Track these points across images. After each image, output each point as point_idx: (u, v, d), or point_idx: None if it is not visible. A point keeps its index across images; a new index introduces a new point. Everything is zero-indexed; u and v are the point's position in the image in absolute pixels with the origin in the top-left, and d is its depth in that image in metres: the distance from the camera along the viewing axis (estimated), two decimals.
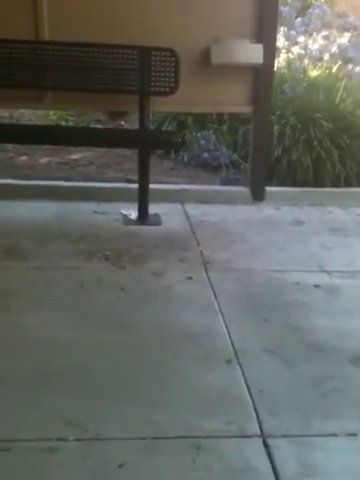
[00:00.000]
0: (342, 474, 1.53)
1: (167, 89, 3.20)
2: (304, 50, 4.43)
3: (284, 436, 1.64)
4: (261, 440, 1.62)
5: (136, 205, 3.22)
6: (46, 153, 4.08)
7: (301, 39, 4.52)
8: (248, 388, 1.82)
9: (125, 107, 3.67)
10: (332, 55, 4.28)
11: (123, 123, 4.77)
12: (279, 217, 3.40)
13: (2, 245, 2.73)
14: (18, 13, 3.20)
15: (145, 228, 3.12)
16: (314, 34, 4.53)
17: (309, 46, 4.46)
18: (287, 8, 4.51)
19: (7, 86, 3.18)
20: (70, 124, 4.66)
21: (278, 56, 4.09)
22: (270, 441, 1.61)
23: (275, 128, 3.79)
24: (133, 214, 3.24)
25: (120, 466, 1.49)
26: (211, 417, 1.68)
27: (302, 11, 4.75)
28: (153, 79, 3.20)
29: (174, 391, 1.79)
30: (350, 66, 4.16)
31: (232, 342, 2.06)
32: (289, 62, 4.36)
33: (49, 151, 4.08)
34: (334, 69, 4.24)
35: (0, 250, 2.68)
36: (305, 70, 4.30)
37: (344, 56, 4.20)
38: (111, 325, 2.13)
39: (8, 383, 1.78)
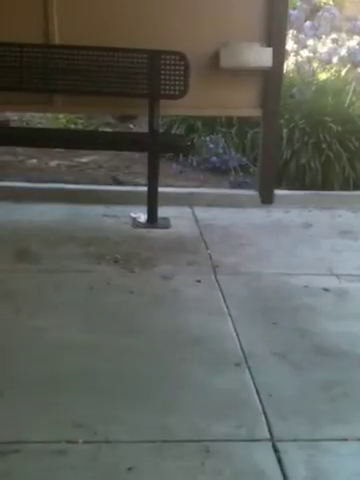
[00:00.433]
0: (352, 479, 1.52)
1: (177, 92, 3.21)
2: (313, 53, 4.43)
3: (294, 440, 1.63)
4: (270, 444, 1.62)
5: (145, 208, 3.24)
6: (56, 156, 4.11)
7: (310, 42, 4.52)
8: (257, 392, 1.81)
9: (135, 110, 3.69)
10: (341, 58, 4.28)
11: (132, 126, 4.79)
12: (288, 220, 3.39)
13: (13, 248, 2.75)
14: (29, 17, 3.24)
15: (154, 231, 3.13)
16: (323, 37, 4.53)
17: (318, 49, 4.46)
18: (296, 11, 4.51)
19: (18, 89, 3.22)
20: (79, 127, 4.69)
21: (287, 59, 4.09)
22: (279, 445, 1.61)
23: (284, 131, 3.80)
24: (142, 217, 3.26)
25: (129, 469, 1.50)
26: (220, 421, 1.68)
27: (311, 14, 4.76)
28: (163, 83, 3.21)
29: (183, 394, 1.79)
30: (359, 69, 4.16)
31: (241, 345, 2.06)
32: (298, 65, 4.36)
33: (59, 154, 4.11)
34: (343, 72, 4.23)
35: (11, 253, 2.70)
36: (314, 73, 4.30)
37: (353, 59, 4.19)
38: (120, 328, 2.14)
39: (18, 385, 1.79)
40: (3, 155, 4.07)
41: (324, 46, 4.46)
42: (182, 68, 3.20)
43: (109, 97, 3.24)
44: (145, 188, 3.26)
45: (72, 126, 4.69)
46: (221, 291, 2.47)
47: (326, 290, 2.51)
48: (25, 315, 2.19)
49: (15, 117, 4.70)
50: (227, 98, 3.41)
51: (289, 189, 3.74)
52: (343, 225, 3.33)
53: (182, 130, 4.21)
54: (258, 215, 3.45)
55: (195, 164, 4.10)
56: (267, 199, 3.61)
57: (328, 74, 4.30)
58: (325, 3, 5.68)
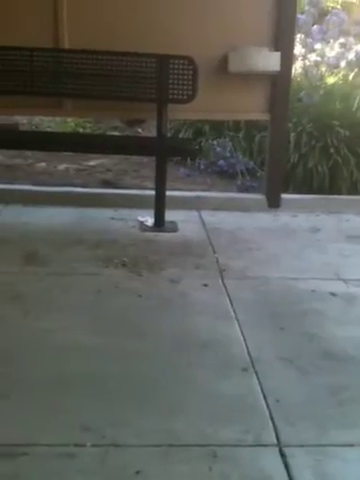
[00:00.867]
0: None
1: (185, 97, 3.22)
2: (321, 57, 4.43)
3: (301, 446, 1.63)
4: (277, 449, 1.62)
5: (153, 212, 3.25)
6: (64, 160, 4.13)
7: (318, 46, 4.52)
8: (264, 397, 1.82)
9: (143, 115, 3.71)
10: (349, 62, 4.28)
11: (140, 130, 4.81)
12: (295, 225, 3.39)
13: (22, 250, 2.77)
14: (39, 21, 3.26)
15: (161, 235, 3.14)
16: (331, 41, 4.53)
17: (326, 53, 4.46)
18: (304, 16, 4.52)
19: (27, 93, 3.23)
20: (87, 131, 4.71)
21: (295, 63, 4.09)
22: (286, 450, 1.61)
23: (291, 135, 3.80)
24: (150, 221, 3.27)
25: (137, 473, 1.50)
26: (227, 425, 1.69)
27: (319, 18, 4.76)
28: (171, 87, 3.22)
29: (190, 399, 1.80)
30: None
31: (248, 350, 2.07)
32: (306, 69, 4.36)
33: (67, 158, 4.13)
34: (351, 76, 4.23)
35: (20, 255, 2.72)
36: (322, 77, 4.30)
37: None
38: (128, 331, 2.15)
39: (25, 387, 1.80)
40: (13, 158, 4.11)
41: (332, 50, 4.46)
42: (190, 72, 3.21)
43: (118, 101, 3.26)
44: (153, 192, 3.27)
45: (80, 130, 4.71)
46: (228, 295, 2.47)
47: (333, 295, 2.51)
48: (33, 317, 2.21)
49: (24, 120, 4.73)
50: (235, 102, 3.42)
51: (296, 193, 3.74)
52: (351, 230, 3.33)
53: (190, 134, 4.22)
54: (265, 219, 3.45)
55: (202, 168, 4.11)
56: (274, 203, 3.61)
57: (336, 78, 4.29)
58: (333, 7, 5.68)
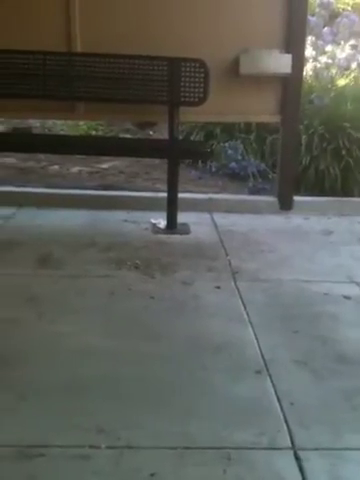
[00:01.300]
0: None
1: (196, 99, 3.24)
2: (332, 59, 4.42)
3: (315, 449, 1.63)
4: (292, 452, 1.61)
5: (165, 214, 3.26)
6: (77, 162, 4.16)
7: (329, 48, 4.51)
8: (278, 399, 1.81)
9: (154, 117, 3.72)
10: None
11: (151, 133, 4.83)
12: (307, 227, 3.38)
13: (36, 253, 2.80)
14: (51, 25, 3.29)
15: (174, 237, 3.15)
16: (342, 43, 4.52)
17: (337, 55, 4.45)
18: (315, 18, 4.51)
19: (40, 97, 3.26)
20: (100, 134, 4.74)
21: (305, 66, 4.09)
22: (301, 454, 1.60)
23: (303, 137, 3.79)
24: (162, 223, 3.28)
25: (152, 475, 1.51)
26: (241, 428, 1.68)
27: (330, 20, 4.75)
28: (182, 90, 3.24)
29: (204, 401, 1.80)
30: None
31: (262, 353, 2.06)
32: (316, 72, 4.35)
33: (80, 160, 4.16)
34: None
35: (34, 258, 2.75)
36: (333, 79, 4.29)
37: None
38: (141, 334, 2.16)
39: (40, 389, 1.81)
40: (26, 161, 4.14)
41: (343, 52, 4.45)
42: (202, 75, 3.22)
43: (130, 104, 3.28)
44: (165, 194, 3.28)
45: (93, 133, 4.74)
46: (241, 298, 2.47)
47: (347, 298, 2.50)
48: (48, 320, 2.22)
49: (37, 124, 4.77)
50: (246, 104, 3.43)
51: (308, 195, 3.74)
52: None
53: (201, 137, 4.23)
54: (277, 221, 3.45)
55: (214, 170, 4.12)
56: (286, 205, 3.61)
57: (347, 80, 4.29)
58: (344, 9, 5.67)
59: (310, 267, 2.81)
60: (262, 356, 2.04)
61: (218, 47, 3.33)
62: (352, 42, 4.48)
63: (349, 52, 4.41)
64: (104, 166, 4.20)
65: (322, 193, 3.75)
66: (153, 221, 3.30)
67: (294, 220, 3.48)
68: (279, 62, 3.35)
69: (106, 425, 1.67)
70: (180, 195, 3.28)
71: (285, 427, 1.70)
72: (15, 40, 3.21)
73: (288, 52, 3.37)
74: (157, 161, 4.04)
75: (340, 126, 3.85)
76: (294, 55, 3.36)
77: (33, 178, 3.89)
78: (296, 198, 3.63)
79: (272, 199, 3.65)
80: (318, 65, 4.38)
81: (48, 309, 2.30)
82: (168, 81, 3.24)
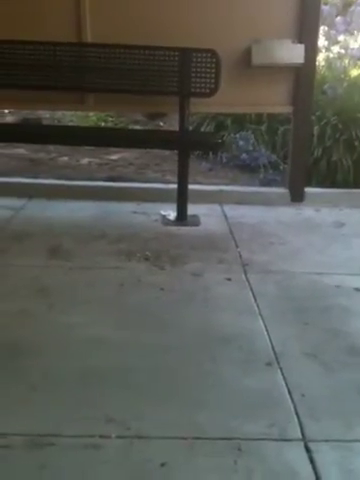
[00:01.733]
0: None
1: (207, 90, 3.21)
2: (345, 49, 4.37)
3: (326, 441, 1.62)
4: (303, 444, 1.61)
5: (175, 206, 3.25)
6: (87, 154, 4.16)
7: (341, 38, 4.46)
8: (289, 391, 1.80)
9: (165, 108, 3.70)
10: None
11: (161, 124, 4.81)
12: (319, 219, 3.35)
13: (46, 244, 2.80)
14: (61, 16, 3.28)
15: (184, 229, 3.14)
16: (355, 33, 4.46)
17: (350, 45, 4.39)
18: (328, 7, 4.45)
19: (50, 88, 3.25)
20: (109, 125, 4.73)
21: (318, 56, 4.04)
22: (312, 446, 1.60)
23: (315, 128, 3.76)
24: (172, 215, 3.27)
25: (162, 465, 1.51)
26: (252, 419, 1.68)
27: (343, 10, 4.69)
28: (193, 80, 3.21)
29: (214, 392, 1.80)
30: None
31: (272, 345, 2.05)
32: (329, 62, 4.30)
33: (89, 152, 4.16)
34: None
35: (44, 249, 2.75)
36: (345, 70, 4.24)
37: None
38: (151, 325, 2.16)
39: (50, 379, 1.82)
40: (36, 153, 4.15)
41: (356, 42, 4.39)
42: (213, 65, 3.19)
43: (140, 95, 3.26)
44: (175, 185, 3.27)
45: (102, 124, 4.73)
46: (251, 290, 2.46)
47: (358, 290, 2.48)
48: (58, 310, 2.23)
49: (47, 115, 4.77)
50: (258, 95, 3.40)
51: (320, 187, 3.70)
52: None
53: (212, 128, 4.21)
54: (288, 213, 3.42)
55: (225, 161, 4.09)
56: (297, 197, 3.58)
57: None
58: None
59: (321, 259, 2.79)
60: (272, 348, 2.03)
61: (230, 37, 3.29)
62: None
63: None
64: (113, 157, 4.19)
65: (334, 185, 3.72)
66: (163, 213, 3.30)
67: (305, 212, 3.45)
68: (292, 52, 3.31)
69: (116, 415, 1.67)
70: (190, 187, 3.26)
71: (296, 419, 1.69)
72: (25, 31, 3.20)
73: (301, 42, 3.32)
74: (167, 152, 4.02)
75: (353, 117, 3.80)
76: (307, 45, 3.32)
77: (43, 169, 3.89)
78: (308, 190, 3.60)
79: (283, 191, 3.63)
80: (331, 55, 4.33)
81: (58, 300, 2.30)
82: (179, 72, 3.22)
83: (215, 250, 2.85)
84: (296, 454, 1.57)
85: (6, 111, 4.80)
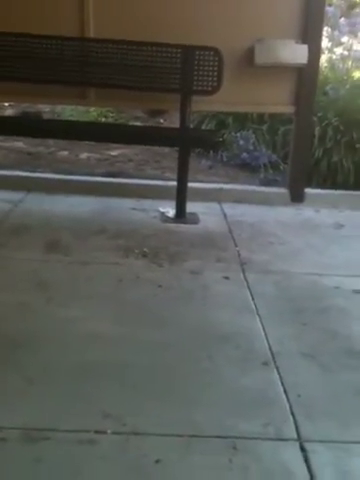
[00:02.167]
0: None
1: (209, 88, 3.20)
2: (348, 51, 4.36)
3: (321, 441, 1.62)
4: (298, 444, 1.61)
5: (174, 203, 3.24)
6: (86, 148, 4.14)
7: (345, 40, 4.45)
8: (285, 391, 1.80)
9: (167, 105, 3.69)
10: None
11: (162, 121, 4.80)
12: (318, 220, 3.36)
13: (44, 238, 2.79)
14: (64, 10, 3.26)
15: (182, 226, 3.13)
16: (359, 35, 4.45)
17: (353, 47, 4.39)
18: (332, 8, 4.45)
19: (52, 82, 3.24)
20: (109, 121, 4.72)
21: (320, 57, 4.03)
22: (307, 446, 1.60)
23: (316, 129, 3.75)
24: (171, 212, 3.26)
25: (157, 461, 1.51)
26: (247, 418, 1.68)
27: (347, 11, 4.68)
28: (196, 78, 3.21)
29: (210, 391, 1.80)
30: None
31: (269, 344, 2.05)
32: (332, 63, 4.30)
33: (89, 147, 4.14)
34: None
35: (42, 243, 2.74)
36: (348, 71, 4.24)
37: None
38: (149, 322, 2.15)
39: (48, 374, 1.82)
40: (35, 146, 4.13)
41: (359, 44, 4.39)
42: (216, 64, 3.18)
43: (142, 92, 3.25)
44: (174, 183, 3.26)
45: (102, 119, 4.72)
46: (249, 289, 2.46)
47: (357, 292, 2.48)
48: (56, 305, 2.22)
49: (47, 109, 4.75)
50: (260, 95, 3.39)
51: (320, 188, 3.70)
52: None
53: (212, 126, 4.20)
54: (288, 213, 3.42)
55: (225, 160, 4.08)
56: (297, 197, 3.58)
57: None
58: None
59: (320, 260, 2.79)
60: (270, 348, 2.03)
61: (233, 36, 3.29)
62: None
63: None
64: (113, 153, 4.18)
65: (334, 186, 3.72)
66: (162, 210, 3.29)
67: (305, 212, 3.45)
68: (295, 53, 3.30)
69: (112, 411, 1.67)
70: (190, 184, 3.26)
71: (291, 419, 1.69)
72: (27, 24, 3.18)
73: (304, 42, 3.32)
74: (167, 149, 4.01)
75: (355, 119, 3.80)
76: (310, 46, 3.32)
77: (42, 163, 3.88)
78: (308, 190, 3.60)
79: (283, 191, 3.62)
80: (333, 56, 4.32)
81: (57, 294, 2.30)
82: (181, 69, 3.21)
83: (214, 248, 2.85)
84: (291, 454, 1.57)
85: (6, 104, 4.78)
